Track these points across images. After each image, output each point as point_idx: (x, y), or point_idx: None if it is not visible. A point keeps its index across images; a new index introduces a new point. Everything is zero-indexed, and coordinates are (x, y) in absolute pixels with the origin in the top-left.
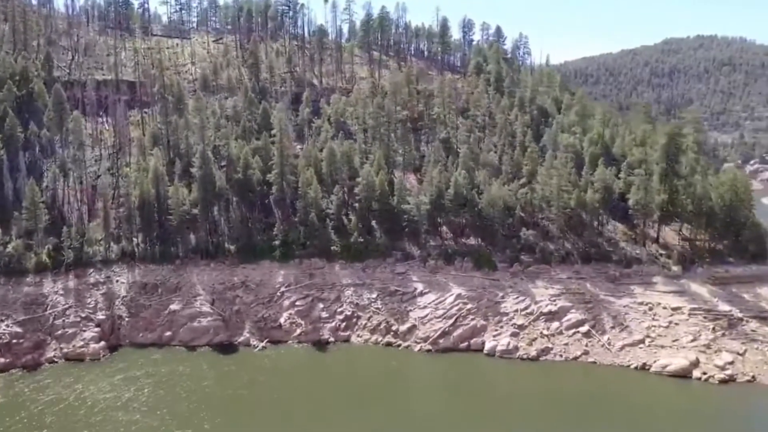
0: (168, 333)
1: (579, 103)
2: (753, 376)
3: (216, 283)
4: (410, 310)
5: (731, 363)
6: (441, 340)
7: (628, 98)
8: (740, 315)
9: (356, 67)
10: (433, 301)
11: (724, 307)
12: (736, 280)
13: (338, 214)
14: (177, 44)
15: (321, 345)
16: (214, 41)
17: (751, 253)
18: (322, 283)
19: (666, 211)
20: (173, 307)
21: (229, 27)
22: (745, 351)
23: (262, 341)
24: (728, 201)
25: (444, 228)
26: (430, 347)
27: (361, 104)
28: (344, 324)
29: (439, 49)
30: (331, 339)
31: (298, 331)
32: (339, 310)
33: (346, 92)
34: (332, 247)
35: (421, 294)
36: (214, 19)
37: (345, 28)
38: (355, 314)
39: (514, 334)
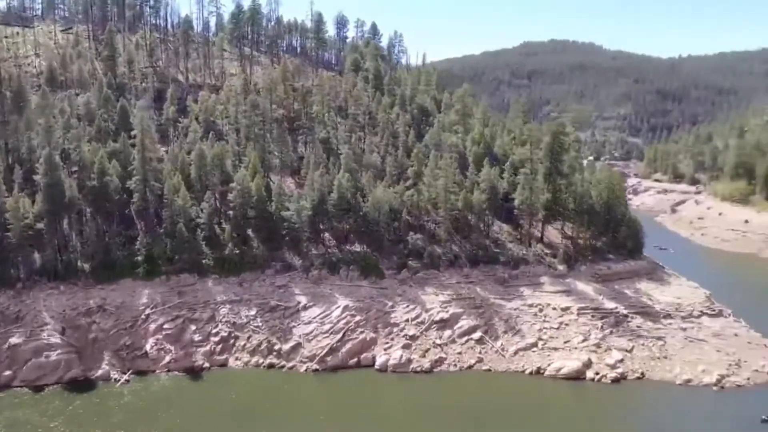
0: (7, 373)
1: (460, 102)
2: (642, 373)
3: (67, 308)
4: (294, 327)
5: (621, 361)
6: (329, 358)
7: (491, 98)
8: (625, 311)
9: (226, 63)
10: (319, 315)
11: (609, 304)
12: (617, 276)
13: (210, 224)
14: (17, 33)
15: (195, 372)
16: (62, 31)
17: (629, 249)
18: (194, 302)
19: (550, 210)
20: (14, 340)
21: (80, 16)
22: (633, 348)
23: (125, 373)
24: (606, 198)
25: (327, 235)
26: (317, 366)
27: (232, 102)
28: (220, 347)
29: (314, 45)
30: (206, 365)
31: (168, 358)
32: (214, 331)
33: (215, 89)
34: (204, 261)
35: (305, 308)
36: (62, 6)
37: (212, 21)
38: (233, 335)
39: (406, 346)
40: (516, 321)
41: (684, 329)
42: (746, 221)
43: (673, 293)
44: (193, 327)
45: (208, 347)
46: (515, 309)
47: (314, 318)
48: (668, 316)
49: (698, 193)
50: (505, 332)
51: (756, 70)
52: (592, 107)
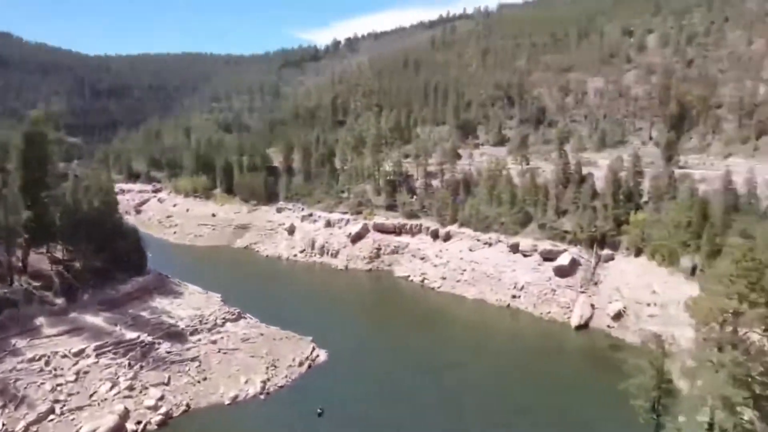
0: None
1: None
2: (187, 405)
3: None
4: None
5: (162, 398)
6: None
7: None
8: (150, 338)
9: None
10: None
11: (130, 334)
12: (129, 298)
13: None
14: None
15: None
16: None
17: (134, 264)
18: None
19: (33, 231)
20: None
21: None
22: (170, 378)
23: None
24: (99, 208)
25: None
26: None
27: None
28: None
29: None
30: None
31: None
32: None
33: None
34: None
35: None
36: None
37: None
38: None
39: None
40: (17, 386)
41: (215, 342)
42: (213, 215)
43: (190, 305)
44: None
45: None
46: (12, 370)
47: None
48: (195, 331)
49: (158, 191)
50: (4, 406)
51: (181, 71)
52: (19, 105)
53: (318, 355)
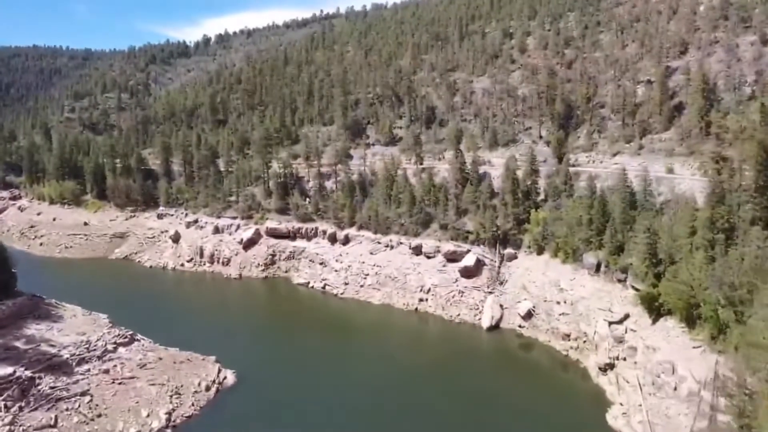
0: None
1: None
2: None
3: None
4: None
5: None
6: None
7: None
8: (28, 373)
9: None
10: None
11: (3, 369)
12: None
13: None
14: None
15: None
16: None
17: (2, 285)
18: None
19: None
20: None
21: None
22: (56, 418)
23: None
24: None
25: None
26: None
27: None
28: None
29: None
30: None
31: None
32: None
33: None
34: None
35: None
36: None
37: None
38: None
39: None
40: None
41: (107, 371)
42: (86, 223)
43: (73, 329)
44: None
45: None
46: None
47: None
48: (83, 360)
49: (17, 198)
50: None
51: (31, 67)
52: None
53: (225, 377)
